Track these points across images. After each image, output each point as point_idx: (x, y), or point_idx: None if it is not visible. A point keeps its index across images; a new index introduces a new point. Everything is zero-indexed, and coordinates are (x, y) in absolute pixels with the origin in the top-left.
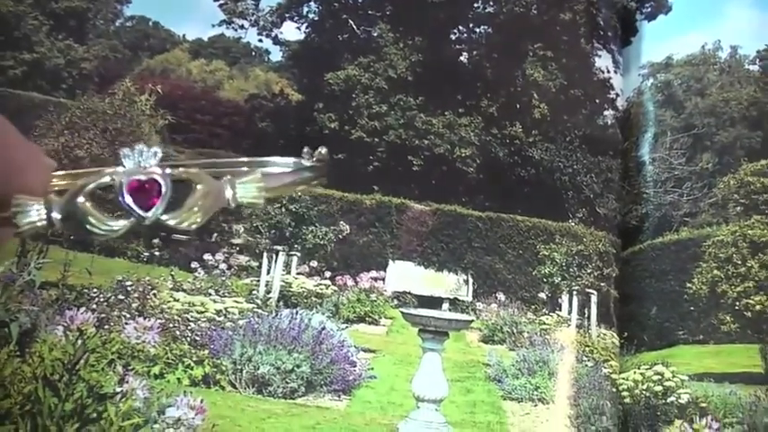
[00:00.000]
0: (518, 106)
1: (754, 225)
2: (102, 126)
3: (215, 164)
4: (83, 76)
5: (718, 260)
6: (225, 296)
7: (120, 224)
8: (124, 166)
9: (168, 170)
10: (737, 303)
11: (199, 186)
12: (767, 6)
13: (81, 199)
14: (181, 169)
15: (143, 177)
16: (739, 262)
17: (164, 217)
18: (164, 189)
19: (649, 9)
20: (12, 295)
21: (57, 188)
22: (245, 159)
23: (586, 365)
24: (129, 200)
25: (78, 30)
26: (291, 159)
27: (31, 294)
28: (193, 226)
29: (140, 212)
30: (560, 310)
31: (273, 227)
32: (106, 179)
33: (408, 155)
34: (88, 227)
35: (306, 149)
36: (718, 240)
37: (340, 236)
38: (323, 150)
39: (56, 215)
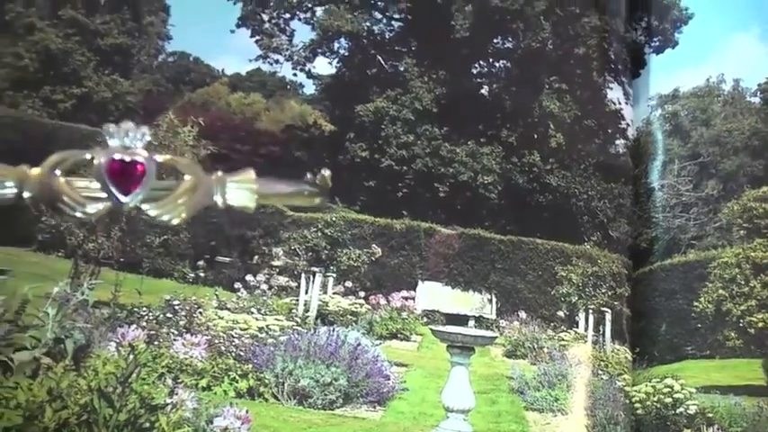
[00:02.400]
0: (535, 136)
1: (757, 248)
2: None
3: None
4: (128, 109)
5: (723, 280)
6: (266, 314)
7: (95, 207)
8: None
9: (156, 156)
10: (741, 321)
11: (187, 177)
12: (767, 41)
13: (57, 172)
14: (169, 156)
15: (126, 158)
16: (743, 282)
17: (144, 206)
18: (147, 174)
19: (657, 43)
20: (66, 313)
21: None
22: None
23: (601, 378)
24: (107, 180)
25: (123, 65)
26: None
27: (84, 313)
28: (176, 220)
29: (119, 195)
30: (577, 327)
31: (310, 249)
32: (86, 156)
33: (434, 182)
34: (60, 205)
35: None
36: (723, 262)
37: (372, 258)
38: (326, 173)
39: (27, 193)
